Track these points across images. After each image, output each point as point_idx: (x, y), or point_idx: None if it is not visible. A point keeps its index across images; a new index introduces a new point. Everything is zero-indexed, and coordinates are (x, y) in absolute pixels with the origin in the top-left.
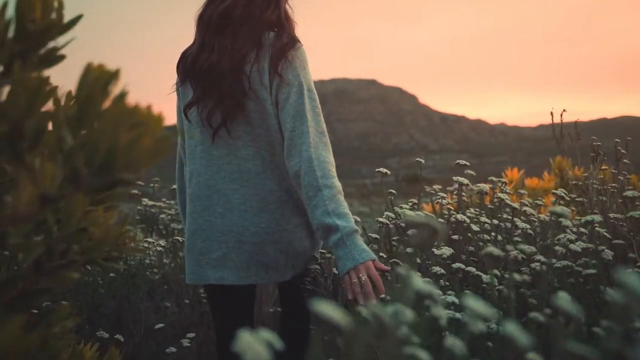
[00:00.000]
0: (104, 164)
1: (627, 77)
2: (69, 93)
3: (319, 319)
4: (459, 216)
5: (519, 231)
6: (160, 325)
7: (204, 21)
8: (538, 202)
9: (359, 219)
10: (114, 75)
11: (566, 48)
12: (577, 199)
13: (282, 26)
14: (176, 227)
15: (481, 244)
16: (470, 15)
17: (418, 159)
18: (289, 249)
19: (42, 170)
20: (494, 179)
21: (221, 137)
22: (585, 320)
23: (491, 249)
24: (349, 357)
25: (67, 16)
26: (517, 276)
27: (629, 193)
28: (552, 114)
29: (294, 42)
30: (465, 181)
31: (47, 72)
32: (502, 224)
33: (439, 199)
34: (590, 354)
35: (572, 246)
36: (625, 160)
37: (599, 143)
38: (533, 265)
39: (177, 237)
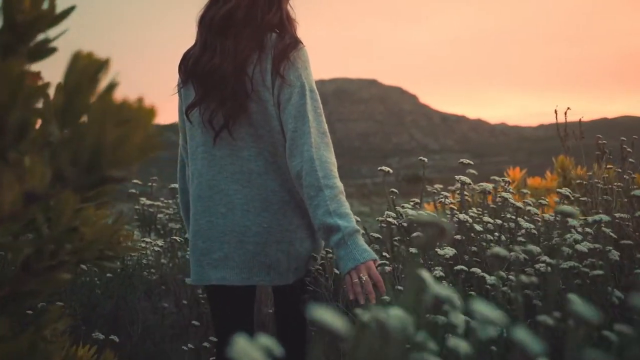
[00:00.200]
0: (90, 161)
1: (627, 77)
2: (59, 85)
3: (318, 326)
4: (462, 216)
5: (523, 231)
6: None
7: (205, 23)
8: (542, 201)
9: (359, 219)
10: (103, 64)
11: (566, 48)
12: (581, 199)
13: (284, 27)
14: (174, 226)
15: (484, 244)
16: (470, 16)
17: (421, 157)
18: (290, 250)
19: (28, 167)
20: (497, 178)
21: (223, 138)
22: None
23: (497, 249)
24: None
25: (68, 18)
26: (524, 278)
27: (637, 192)
28: (556, 112)
29: (296, 43)
30: (468, 180)
31: (43, 72)
32: (505, 224)
33: (442, 198)
34: None
35: (578, 246)
36: (630, 159)
37: (604, 141)
38: (537, 266)
39: (174, 237)
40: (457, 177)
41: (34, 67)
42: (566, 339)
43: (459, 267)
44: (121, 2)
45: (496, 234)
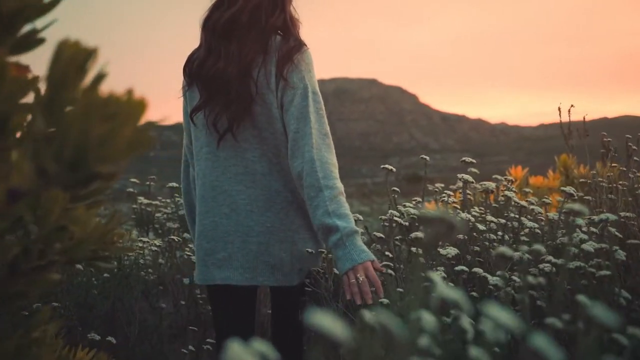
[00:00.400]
0: (75, 157)
1: (627, 77)
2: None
3: (317, 333)
4: (464, 215)
5: (527, 230)
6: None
7: (209, 26)
8: (545, 200)
9: (360, 217)
10: (91, 54)
11: (566, 48)
12: (585, 197)
13: (288, 30)
14: (172, 226)
15: (487, 243)
16: (470, 16)
17: (423, 156)
18: (293, 250)
19: (14, 163)
20: (499, 177)
21: (227, 140)
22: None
23: (503, 249)
24: None
25: (69, 15)
26: (531, 278)
27: None
28: (559, 109)
29: (300, 45)
30: (471, 178)
31: (38, 67)
32: (509, 223)
33: (444, 197)
34: None
35: (584, 246)
36: (635, 158)
37: (609, 139)
38: (542, 266)
39: (172, 237)
40: (459, 175)
41: (25, 59)
42: (576, 343)
43: (459, 267)
44: (121, 2)
45: (499, 233)
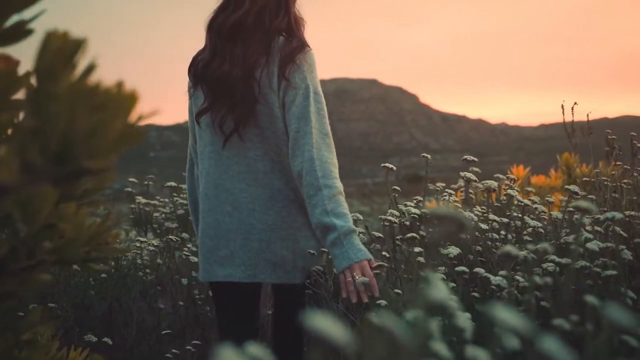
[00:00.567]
0: (61, 150)
1: (627, 77)
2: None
3: (315, 337)
4: (466, 214)
5: (530, 229)
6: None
7: (214, 29)
8: (548, 199)
9: (361, 217)
10: (80, 45)
11: (566, 48)
12: (588, 196)
13: (292, 31)
14: (170, 225)
15: (489, 243)
16: (471, 16)
17: (424, 154)
18: (295, 247)
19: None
20: (501, 176)
21: (232, 140)
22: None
23: (509, 248)
24: None
25: (68, 18)
26: (537, 279)
27: None
28: (562, 107)
29: (303, 46)
30: (473, 177)
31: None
32: (512, 223)
33: (445, 196)
34: None
35: (589, 245)
36: (639, 156)
37: (614, 137)
38: (545, 265)
39: (170, 237)
40: (461, 173)
41: (12, 51)
42: (584, 345)
43: (460, 268)
44: (121, 2)
45: (502, 232)
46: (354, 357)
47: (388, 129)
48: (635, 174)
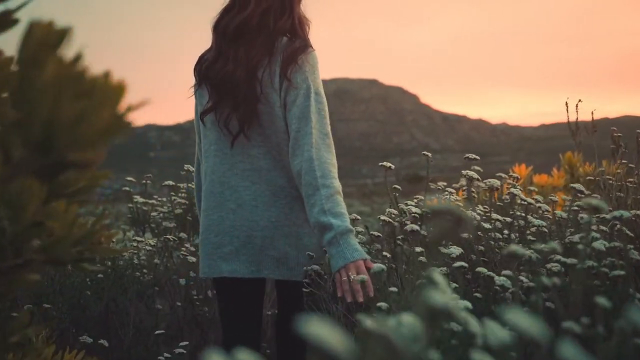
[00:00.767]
0: (43, 140)
1: (628, 77)
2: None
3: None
4: (469, 213)
5: (534, 229)
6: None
7: (219, 30)
8: (552, 197)
9: (359, 217)
10: (65, 34)
11: (566, 48)
12: (593, 195)
13: (296, 32)
14: (168, 225)
15: (492, 242)
16: (471, 16)
17: (425, 152)
18: (298, 244)
19: None
20: (503, 175)
21: (237, 139)
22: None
23: (514, 247)
24: None
25: (68, 18)
26: (545, 280)
27: None
28: (566, 104)
29: (305, 47)
30: (475, 175)
31: None
32: (515, 222)
33: (447, 194)
34: None
35: (596, 244)
36: None
37: (619, 134)
38: (549, 265)
39: (168, 237)
40: (463, 171)
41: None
42: (595, 348)
43: (458, 263)
44: (121, 2)
45: (505, 232)
46: None
47: (388, 129)
48: None
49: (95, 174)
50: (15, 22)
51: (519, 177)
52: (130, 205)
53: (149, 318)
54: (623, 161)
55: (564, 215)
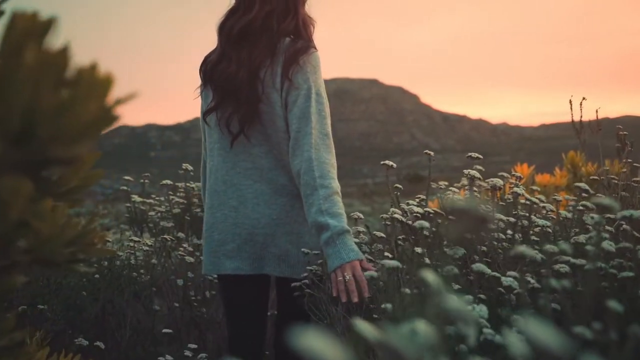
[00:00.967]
0: (23, 130)
1: (628, 77)
2: None
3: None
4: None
5: (538, 229)
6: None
7: (224, 32)
8: (556, 197)
9: (362, 216)
10: (50, 25)
11: (566, 48)
12: (597, 195)
13: (299, 33)
14: (166, 225)
15: (495, 243)
16: (471, 16)
17: (427, 151)
18: (299, 242)
19: None
20: (505, 174)
21: (238, 139)
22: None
23: (523, 248)
24: None
25: (68, 17)
26: (554, 282)
27: None
28: (570, 102)
29: (307, 47)
30: (478, 174)
31: None
32: (519, 222)
33: (449, 194)
34: None
35: (604, 245)
36: None
37: (625, 132)
38: (557, 267)
39: (165, 237)
40: (465, 171)
41: None
42: (608, 354)
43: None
44: (122, 1)
45: (509, 232)
46: None
47: (389, 129)
48: None
49: (89, 173)
50: (0, 13)
51: (522, 176)
52: (128, 204)
53: (147, 319)
54: (628, 160)
55: (569, 215)
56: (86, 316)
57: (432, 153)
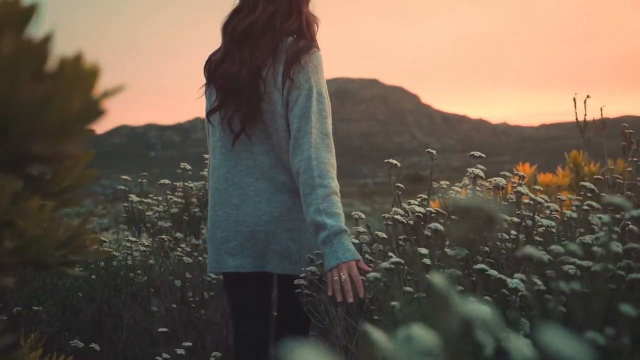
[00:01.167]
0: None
1: (628, 77)
2: None
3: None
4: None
5: (542, 229)
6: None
7: (228, 32)
8: (560, 197)
9: (363, 216)
10: (31, 13)
11: (566, 48)
12: (601, 195)
13: (302, 33)
14: (164, 225)
15: (498, 243)
16: (471, 15)
17: (429, 149)
18: (300, 239)
19: None
20: (507, 174)
21: (240, 138)
22: None
23: (530, 249)
24: None
25: (67, 18)
26: (563, 285)
27: None
28: (574, 100)
29: (309, 47)
30: (481, 173)
31: None
32: (523, 222)
33: (452, 193)
34: None
35: (612, 246)
36: None
37: (630, 130)
38: (566, 268)
39: (162, 237)
40: (469, 169)
41: None
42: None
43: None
44: (121, 2)
45: (513, 232)
46: None
47: (389, 129)
48: None
49: (82, 172)
50: None
51: (525, 175)
52: (126, 204)
53: (144, 320)
54: (634, 159)
55: (574, 215)
56: (82, 317)
57: (434, 152)
